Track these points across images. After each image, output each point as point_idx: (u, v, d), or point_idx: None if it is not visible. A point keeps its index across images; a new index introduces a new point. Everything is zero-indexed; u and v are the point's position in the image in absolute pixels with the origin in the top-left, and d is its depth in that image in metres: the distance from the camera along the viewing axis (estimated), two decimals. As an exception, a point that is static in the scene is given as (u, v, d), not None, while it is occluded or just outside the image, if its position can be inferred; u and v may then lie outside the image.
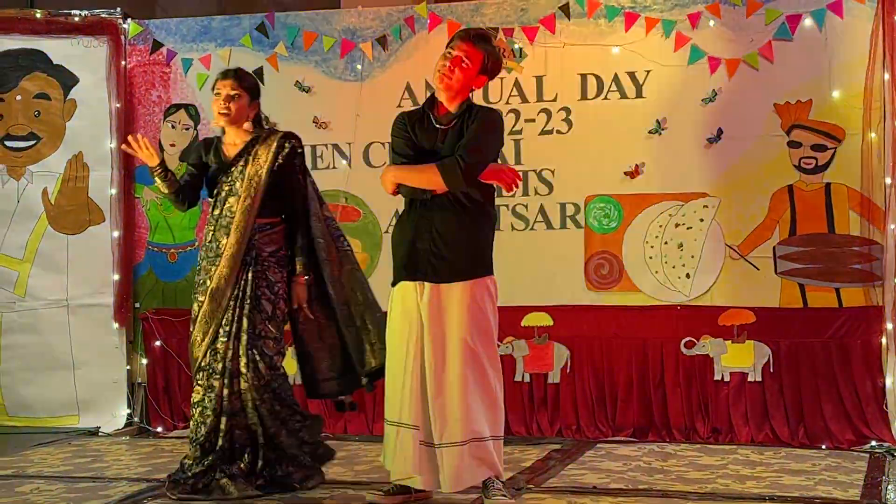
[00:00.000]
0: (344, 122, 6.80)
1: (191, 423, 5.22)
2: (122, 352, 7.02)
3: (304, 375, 5.38)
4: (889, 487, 5.10)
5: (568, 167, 6.53)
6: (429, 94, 5.08)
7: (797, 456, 5.85)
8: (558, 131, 6.55)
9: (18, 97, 7.12)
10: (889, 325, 5.98)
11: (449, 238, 4.82)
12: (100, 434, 6.85)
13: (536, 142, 6.57)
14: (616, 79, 6.46)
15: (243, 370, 5.09)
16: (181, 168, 6.09)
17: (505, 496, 4.84)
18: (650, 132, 6.40)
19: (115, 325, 7.00)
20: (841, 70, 6.13)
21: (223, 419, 5.11)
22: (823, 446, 6.03)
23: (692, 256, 6.34)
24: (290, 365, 5.36)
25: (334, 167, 6.83)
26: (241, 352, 5.09)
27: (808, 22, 6.16)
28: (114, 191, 7.04)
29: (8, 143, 7.15)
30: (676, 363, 6.34)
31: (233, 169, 5.21)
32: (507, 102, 6.57)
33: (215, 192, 5.29)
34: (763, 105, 6.23)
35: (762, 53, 6.22)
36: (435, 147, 4.86)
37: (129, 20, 7.08)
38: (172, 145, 7.04)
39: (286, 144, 5.23)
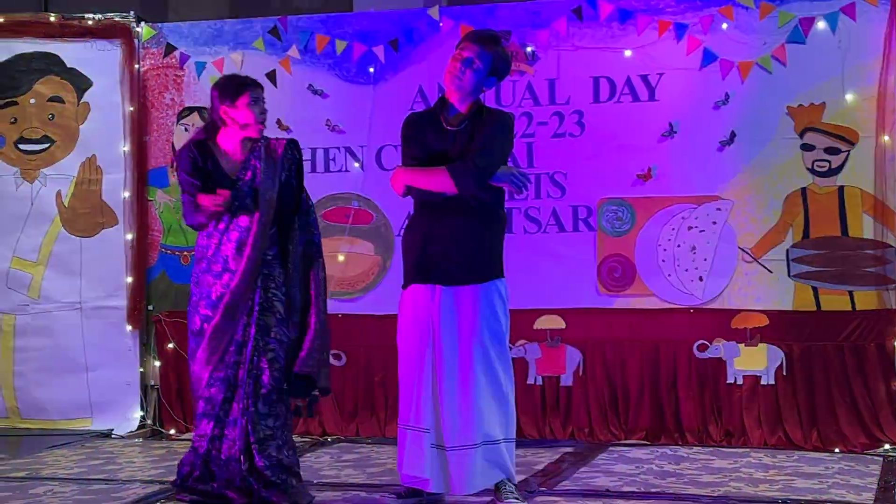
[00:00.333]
0: (357, 125, 6.80)
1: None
2: (135, 354, 7.03)
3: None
4: (903, 491, 5.10)
5: (580, 170, 6.52)
6: (439, 96, 5.08)
7: (810, 459, 5.83)
8: (571, 134, 6.54)
9: (32, 100, 7.13)
10: (902, 329, 5.98)
11: (461, 241, 4.82)
12: (113, 436, 6.86)
13: (549, 145, 6.56)
14: (629, 82, 6.45)
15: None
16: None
17: (517, 499, 4.84)
18: (663, 135, 6.39)
19: (129, 328, 7.00)
20: (854, 73, 6.12)
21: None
22: (837, 450, 6.01)
23: (705, 259, 6.33)
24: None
25: (347, 170, 6.84)
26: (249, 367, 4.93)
27: (821, 25, 6.15)
28: (127, 194, 7.04)
29: (22, 146, 7.16)
30: (689, 366, 6.32)
31: (239, 182, 5.03)
32: (520, 105, 6.57)
33: None
34: (776, 108, 6.22)
35: (775, 56, 6.21)
36: (445, 149, 4.86)
37: (142, 24, 7.09)
38: (185, 148, 7.06)
39: (295, 156, 5.13)
